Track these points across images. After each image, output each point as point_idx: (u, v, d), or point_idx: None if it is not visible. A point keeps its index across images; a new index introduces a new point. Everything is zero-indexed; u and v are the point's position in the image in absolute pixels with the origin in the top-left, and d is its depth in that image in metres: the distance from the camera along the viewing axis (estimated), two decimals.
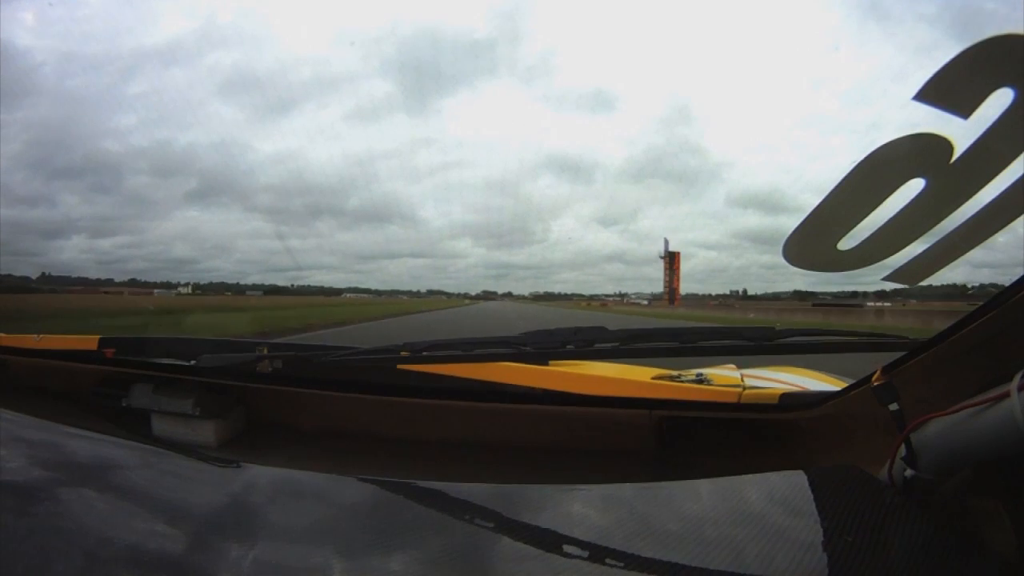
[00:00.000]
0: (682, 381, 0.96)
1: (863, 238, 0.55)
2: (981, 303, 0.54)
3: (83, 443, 0.83)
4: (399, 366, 0.91)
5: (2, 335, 1.19)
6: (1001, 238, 0.52)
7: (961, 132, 0.48)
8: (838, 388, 0.79)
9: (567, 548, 0.54)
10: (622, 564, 0.52)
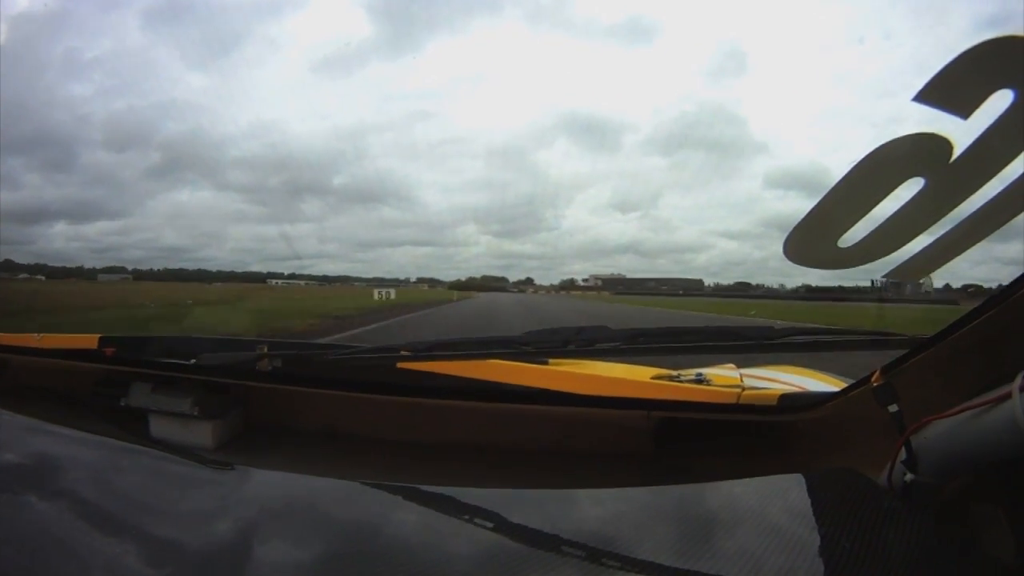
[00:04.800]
0: (681, 381, 0.96)
1: (863, 236, 0.56)
2: (980, 302, 0.54)
3: (81, 445, 0.83)
4: (399, 365, 0.91)
5: (2, 334, 1.19)
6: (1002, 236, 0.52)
7: (961, 132, 0.49)
8: (837, 388, 0.79)
9: (566, 552, 0.54)
10: (621, 569, 0.52)
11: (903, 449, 0.58)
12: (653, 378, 1.00)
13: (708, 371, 1.04)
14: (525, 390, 0.90)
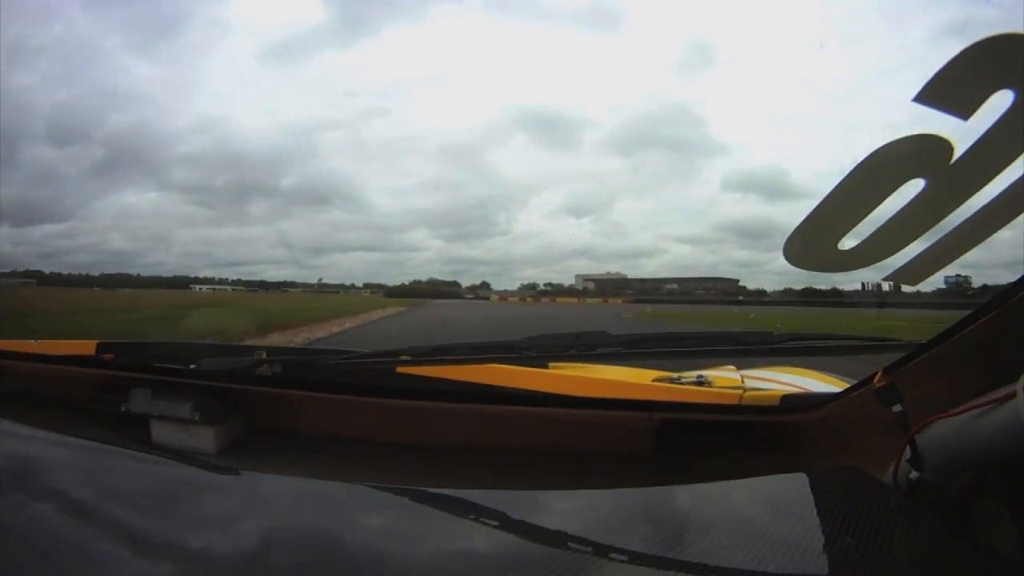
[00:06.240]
0: (682, 383, 0.96)
1: (863, 238, 0.56)
2: (982, 303, 0.54)
3: (81, 451, 0.83)
4: (400, 369, 0.91)
5: None
6: (1006, 234, 0.52)
7: (961, 133, 0.48)
8: (839, 389, 0.79)
9: (570, 552, 0.54)
10: (626, 568, 0.52)
11: (907, 448, 0.58)
12: (654, 380, 1.00)
13: (709, 373, 1.04)
14: (526, 393, 0.90)
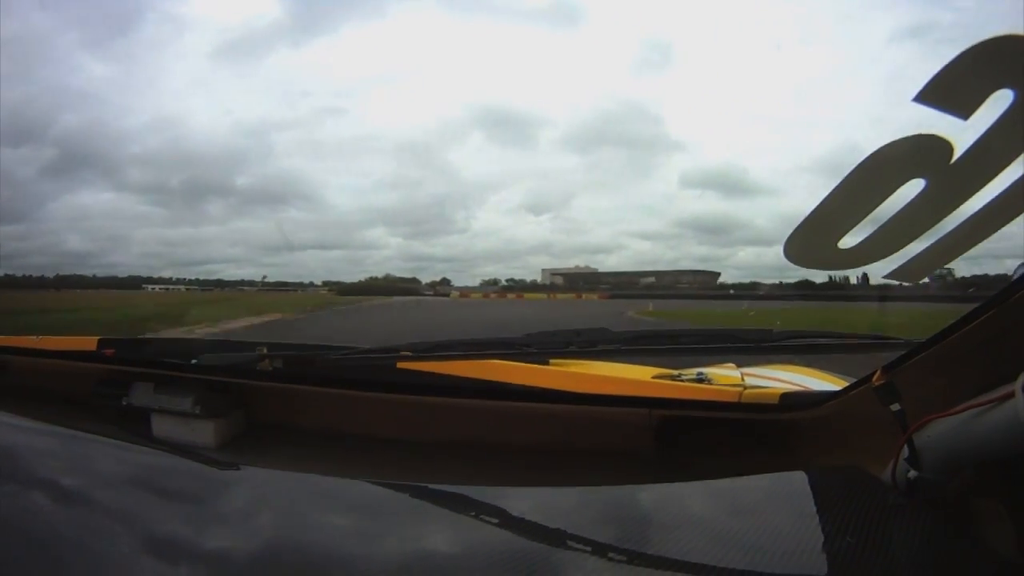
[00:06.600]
0: (682, 380, 0.97)
1: (864, 237, 0.56)
2: (981, 302, 0.55)
3: (83, 445, 0.84)
4: (400, 365, 0.92)
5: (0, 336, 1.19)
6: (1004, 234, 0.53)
7: (961, 133, 0.49)
8: (839, 387, 0.79)
9: (570, 548, 0.55)
10: (625, 565, 0.52)
11: (906, 447, 0.58)
12: (654, 377, 1.01)
13: (709, 371, 1.04)
14: (527, 389, 0.90)
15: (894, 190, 0.53)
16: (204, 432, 0.88)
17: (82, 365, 1.05)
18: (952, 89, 0.47)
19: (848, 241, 0.56)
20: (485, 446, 0.88)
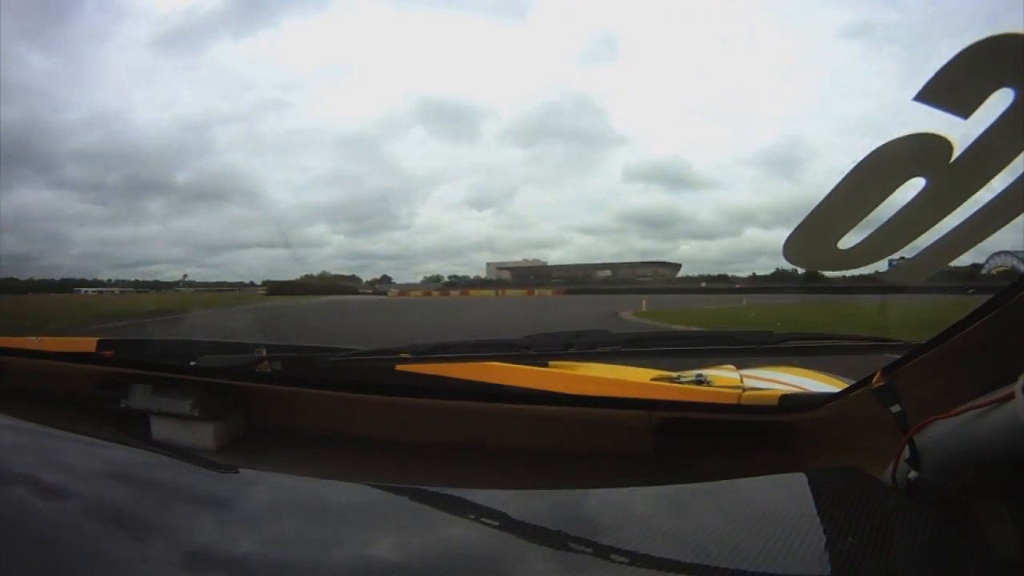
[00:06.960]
0: (682, 382, 0.96)
1: (863, 237, 0.56)
2: (981, 304, 0.54)
3: (81, 447, 0.83)
4: (400, 367, 0.91)
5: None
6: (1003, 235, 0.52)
7: (961, 132, 0.49)
8: (838, 389, 0.79)
9: (570, 551, 0.54)
10: (625, 567, 0.52)
11: (906, 448, 0.58)
12: (654, 379, 1.01)
13: (708, 372, 1.04)
14: (526, 391, 0.90)
15: (894, 190, 0.52)
16: (203, 434, 0.88)
17: (81, 367, 1.05)
18: (952, 88, 0.46)
19: (848, 241, 0.56)
20: (485, 448, 0.87)
